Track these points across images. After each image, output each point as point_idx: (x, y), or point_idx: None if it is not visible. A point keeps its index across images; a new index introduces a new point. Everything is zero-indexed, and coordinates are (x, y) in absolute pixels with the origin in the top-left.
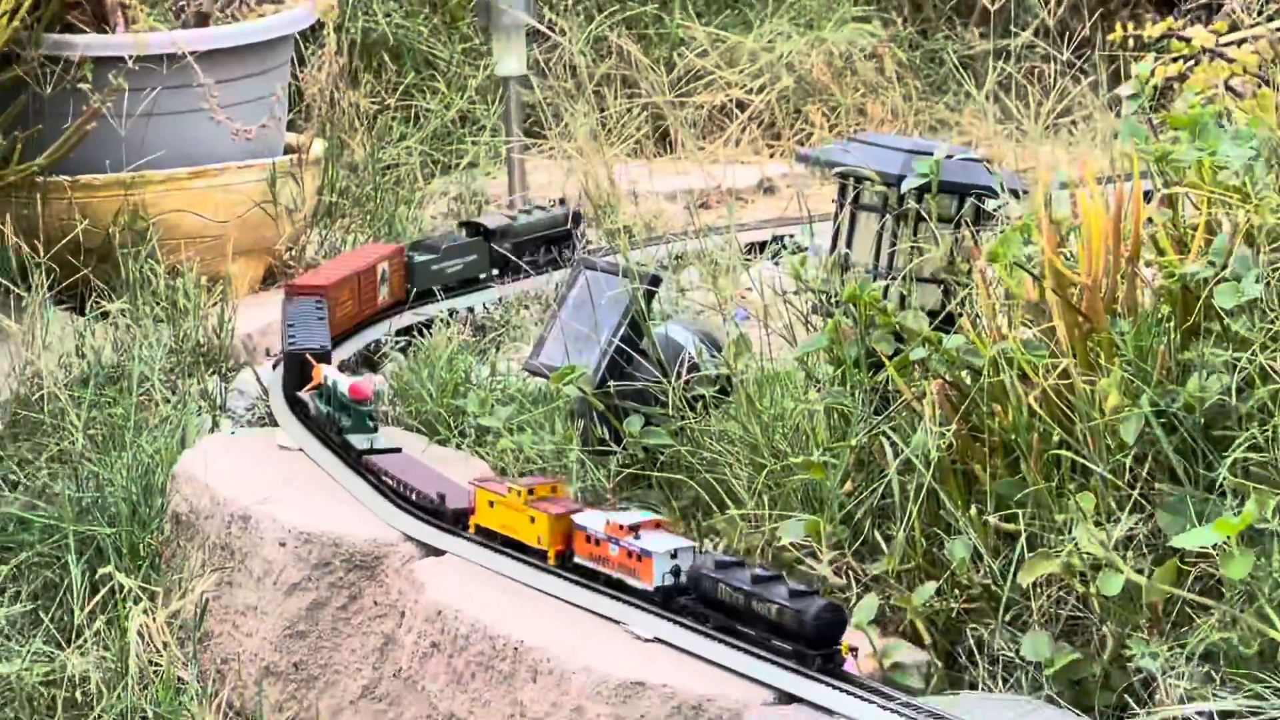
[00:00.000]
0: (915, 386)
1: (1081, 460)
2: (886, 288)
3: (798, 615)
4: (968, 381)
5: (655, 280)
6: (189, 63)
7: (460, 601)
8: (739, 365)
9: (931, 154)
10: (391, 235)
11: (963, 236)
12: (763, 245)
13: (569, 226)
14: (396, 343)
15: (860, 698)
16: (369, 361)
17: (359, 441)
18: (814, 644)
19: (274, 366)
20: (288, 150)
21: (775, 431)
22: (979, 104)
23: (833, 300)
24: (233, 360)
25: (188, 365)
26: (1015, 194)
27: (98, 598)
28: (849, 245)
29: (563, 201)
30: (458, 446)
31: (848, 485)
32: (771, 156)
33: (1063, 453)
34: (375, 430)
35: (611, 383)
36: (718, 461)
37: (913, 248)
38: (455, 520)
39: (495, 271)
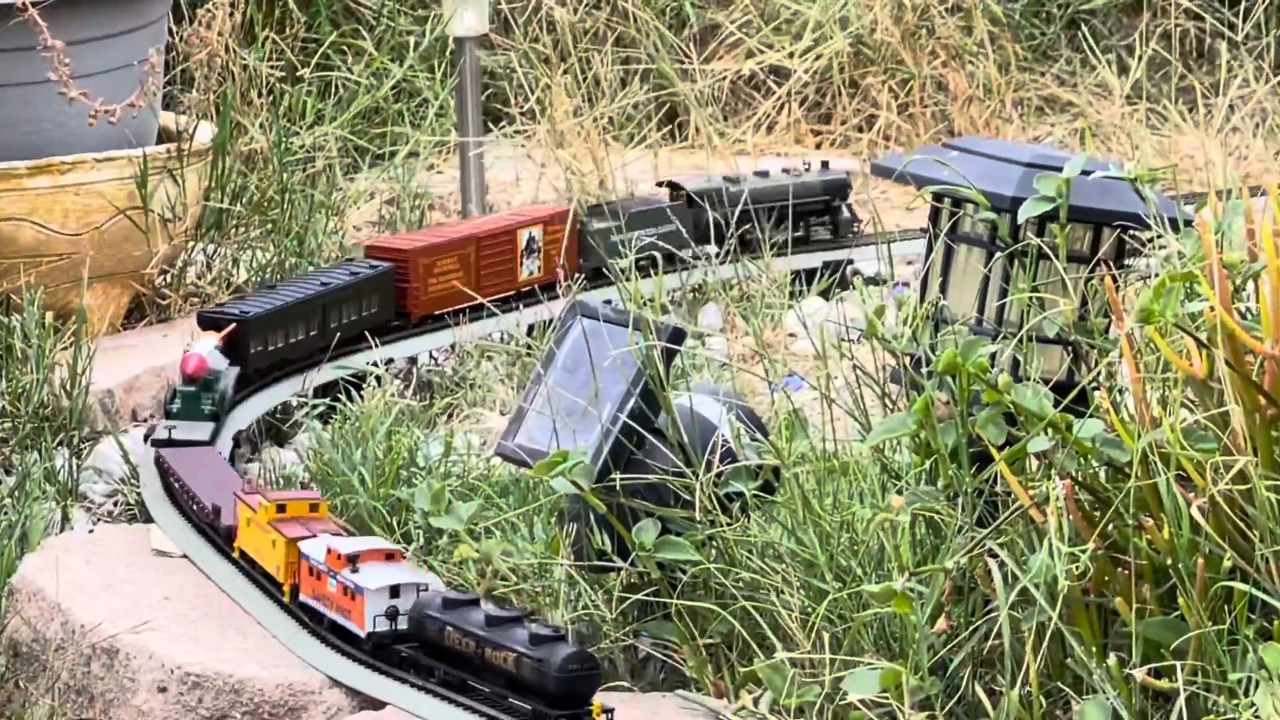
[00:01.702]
0: (1035, 489)
1: (1263, 596)
2: (996, 352)
3: (538, 666)
4: (1107, 484)
5: (677, 335)
6: (29, 17)
7: None
8: (791, 453)
9: (1059, 168)
10: (303, 251)
11: (1102, 284)
12: (811, 276)
13: (827, 198)
14: (313, 406)
15: None
16: (274, 431)
17: (161, 430)
18: (557, 701)
19: (147, 437)
20: (163, 137)
21: (840, 545)
22: (1102, 77)
23: (922, 366)
24: (88, 427)
25: (26, 434)
26: (1175, 225)
27: None
28: (944, 290)
29: (826, 165)
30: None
31: (941, 623)
32: (818, 147)
33: (1237, 584)
34: (215, 419)
35: (617, 475)
36: (760, 585)
37: (1032, 297)
38: (228, 540)
39: (709, 249)
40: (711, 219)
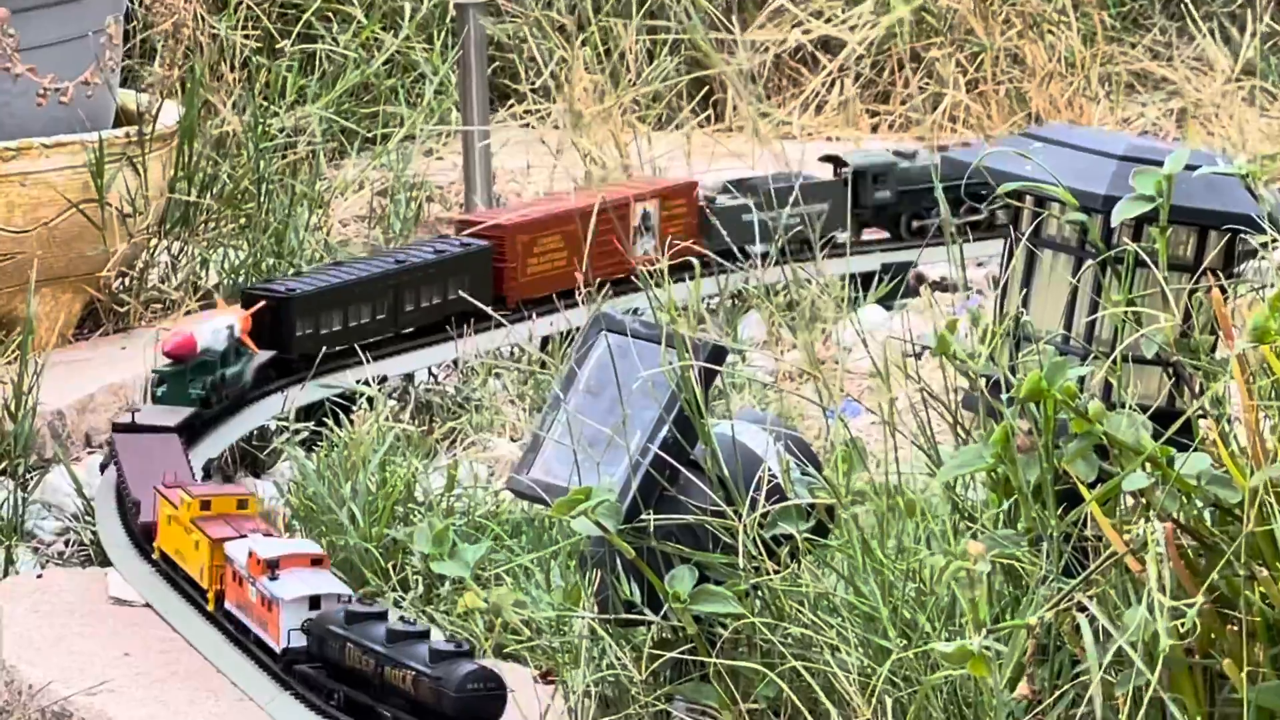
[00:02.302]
0: (1131, 533)
1: None
2: (1086, 375)
3: (436, 685)
4: (1214, 528)
5: (718, 353)
6: None
7: None
8: (848, 489)
9: (1159, 162)
10: (282, 250)
11: (1208, 296)
12: (868, 280)
13: None
14: (294, 432)
15: None
16: (253, 461)
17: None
18: None
19: (103, 466)
20: (122, 119)
21: (905, 597)
22: (1202, 49)
23: (1000, 390)
24: (35, 454)
25: None
26: None
27: None
28: (1025, 303)
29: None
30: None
31: (1022, 687)
32: (874, 130)
33: None
34: (204, 405)
35: (648, 514)
36: (813, 642)
37: (1128, 311)
38: (147, 538)
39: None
40: (876, 199)
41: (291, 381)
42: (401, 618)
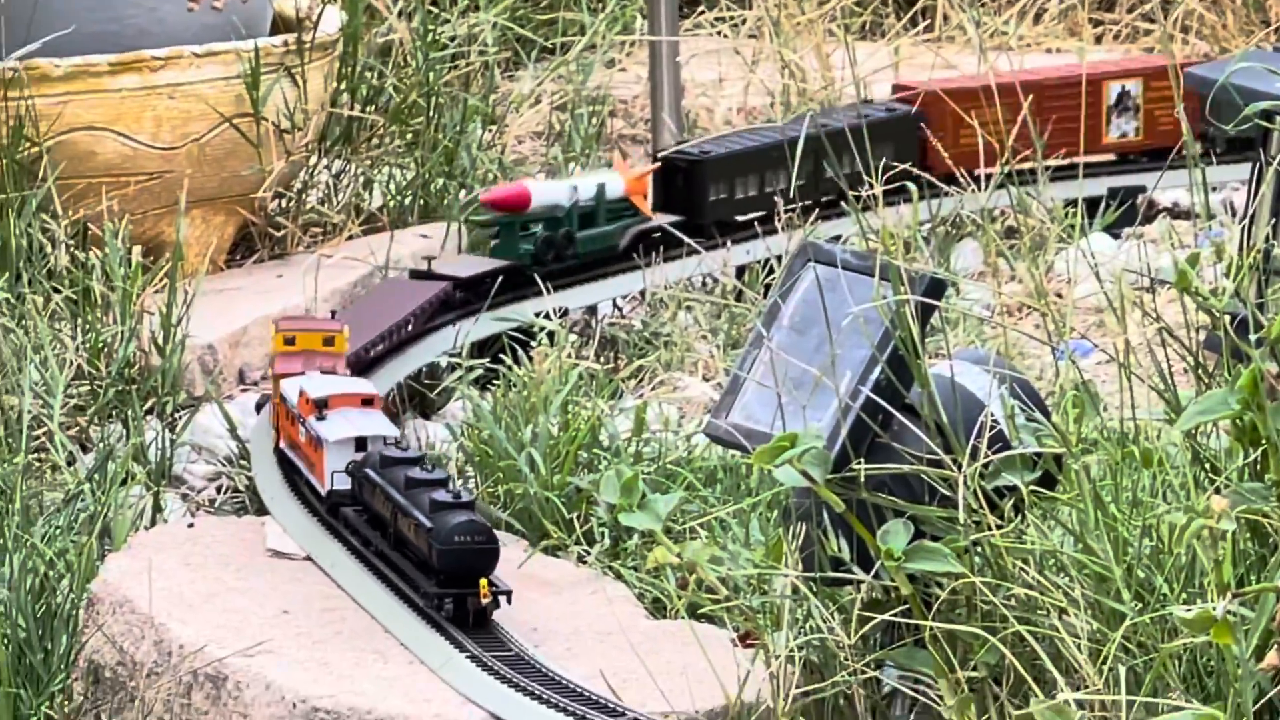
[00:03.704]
0: None
1: None
2: None
3: (428, 536)
4: None
5: (936, 287)
6: None
7: None
8: (1078, 437)
9: None
10: (452, 170)
11: None
12: (1093, 207)
13: None
14: (468, 370)
15: None
16: (421, 400)
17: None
18: (442, 577)
19: (258, 405)
20: (279, 27)
21: (1140, 556)
22: None
23: (1247, 330)
24: (184, 392)
25: (108, 401)
26: None
27: None
28: (1275, 233)
29: None
30: (581, 559)
31: (1271, 657)
32: (1098, 40)
33: None
34: (539, 261)
35: (858, 464)
36: (1038, 604)
37: None
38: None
39: None
40: None
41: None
42: (426, 465)
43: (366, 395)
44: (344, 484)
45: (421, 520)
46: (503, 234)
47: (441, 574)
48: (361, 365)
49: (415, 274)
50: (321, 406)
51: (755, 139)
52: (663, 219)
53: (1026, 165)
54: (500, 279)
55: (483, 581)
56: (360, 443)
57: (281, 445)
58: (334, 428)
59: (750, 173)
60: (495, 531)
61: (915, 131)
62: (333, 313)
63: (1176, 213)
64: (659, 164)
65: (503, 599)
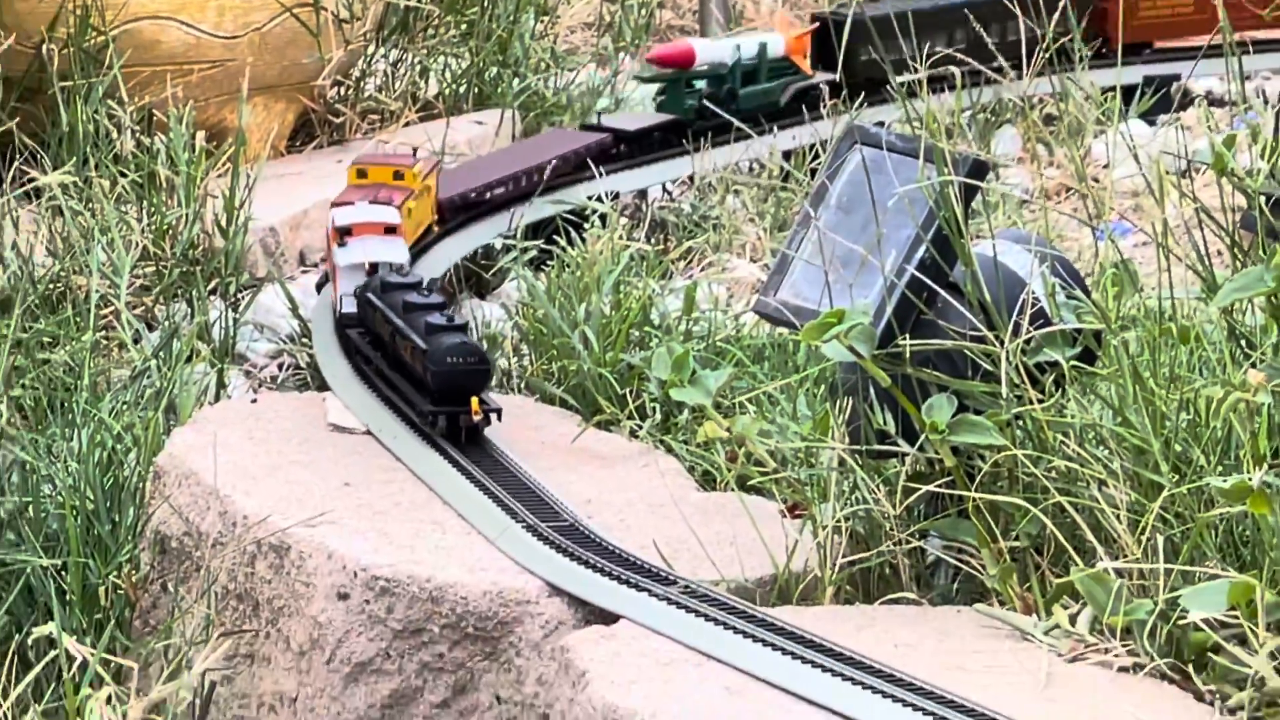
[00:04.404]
0: None
1: None
2: None
3: (423, 357)
4: None
5: (979, 168)
6: None
7: (649, 704)
8: (1118, 314)
9: None
10: (506, 59)
11: None
12: (1129, 94)
13: None
14: (522, 250)
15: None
16: (477, 282)
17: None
18: (436, 396)
19: (319, 285)
20: None
21: (1178, 429)
22: None
23: None
24: (247, 272)
25: (173, 281)
26: None
27: (29, 677)
28: None
29: None
30: (633, 434)
31: None
32: None
33: None
34: (701, 115)
35: (903, 339)
36: (1078, 476)
37: None
38: None
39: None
40: None
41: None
42: (423, 290)
43: (390, 224)
44: (352, 307)
45: (417, 342)
46: (668, 90)
47: (435, 393)
48: (466, 205)
49: (585, 126)
50: (344, 234)
51: (920, 1)
52: (821, 77)
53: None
54: (663, 133)
55: (474, 400)
56: (374, 268)
57: (326, 271)
58: (348, 253)
59: (911, 34)
60: (485, 352)
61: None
62: (414, 150)
63: (1211, 100)
64: (818, 24)
65: (493, 416)
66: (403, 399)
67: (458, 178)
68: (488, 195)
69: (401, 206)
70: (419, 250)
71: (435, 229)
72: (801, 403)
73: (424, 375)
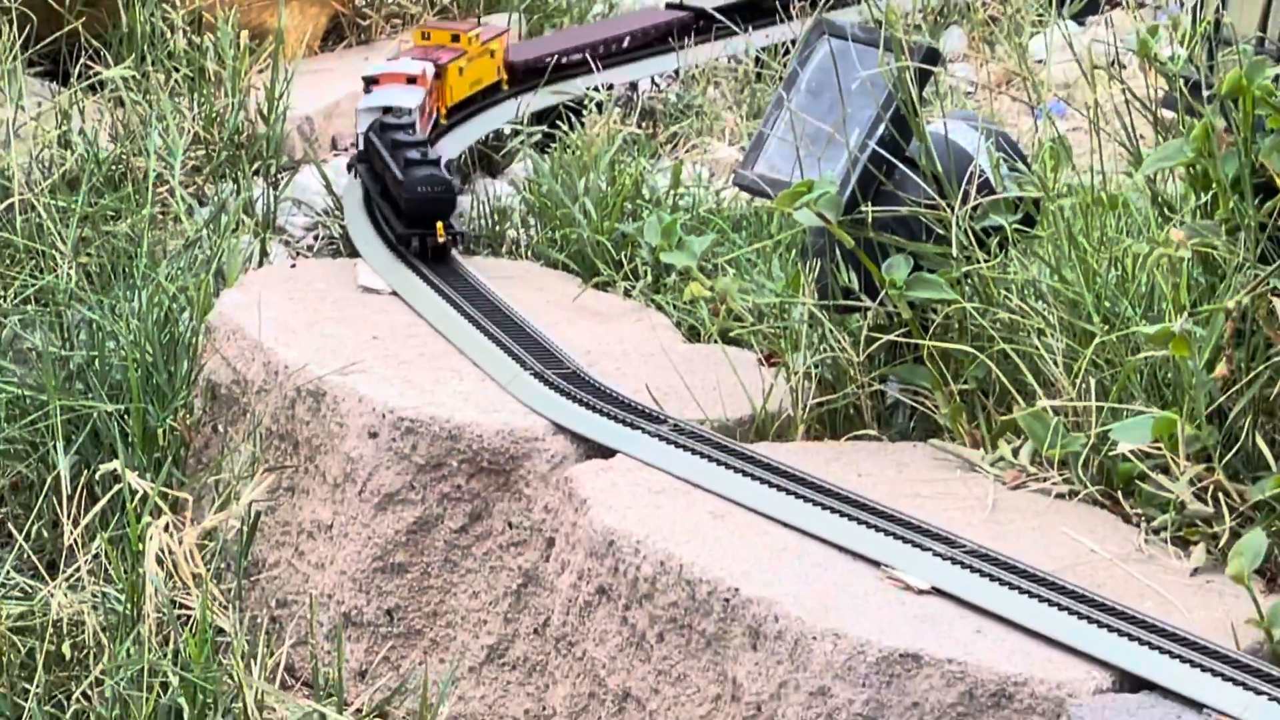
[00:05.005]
0: None
1: None
2: None
3: (399, 186)
4: None
5: (932, 55)
6: None
7: (642, 527)
8: (1054, 184)
9: None
10: None
11: None
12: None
13: None
14: (529, 134)
15: (1241, 683)
16: (487, 161)
17: None
18: (410, 220)
19: (350, 166)
20: None
21: (1108, 284)
22: None
23: (1199, 91)
24: (286, 155)
25: (221, 162)
26: None
27: (97, 508)
28: (1223, 5)
29: None
30: (627, 293)
31: (1221, 368)
32: None
33: None
34: None
35: (866, 207)
36: (1020, 326)
37: None
38: None
39: None
40: None
41: (524, 89)
42: (410, 130)
43: (411, 74)
44: (361, 145)
45: (397, 174)
46: None
47: (407, 217)
48: (538, 70)
49: (670, 5)
50: (370, 83)
51: None
52: None
53: None
54: (742, 11)
55: (439, 224)
56: (387, 110)
57: (356, 153)
58: (368, 99)
59: None
60: (453, 183)
61: None
62: (477, 19)
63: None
64: None
65: (458, 239)
66: (388, 223)
67: (535, 45)
68: (563, 60)
69: (449, 64)
70: (474, 111)
71: (505, 87)
72: (775, 264)
73: (399, 202)
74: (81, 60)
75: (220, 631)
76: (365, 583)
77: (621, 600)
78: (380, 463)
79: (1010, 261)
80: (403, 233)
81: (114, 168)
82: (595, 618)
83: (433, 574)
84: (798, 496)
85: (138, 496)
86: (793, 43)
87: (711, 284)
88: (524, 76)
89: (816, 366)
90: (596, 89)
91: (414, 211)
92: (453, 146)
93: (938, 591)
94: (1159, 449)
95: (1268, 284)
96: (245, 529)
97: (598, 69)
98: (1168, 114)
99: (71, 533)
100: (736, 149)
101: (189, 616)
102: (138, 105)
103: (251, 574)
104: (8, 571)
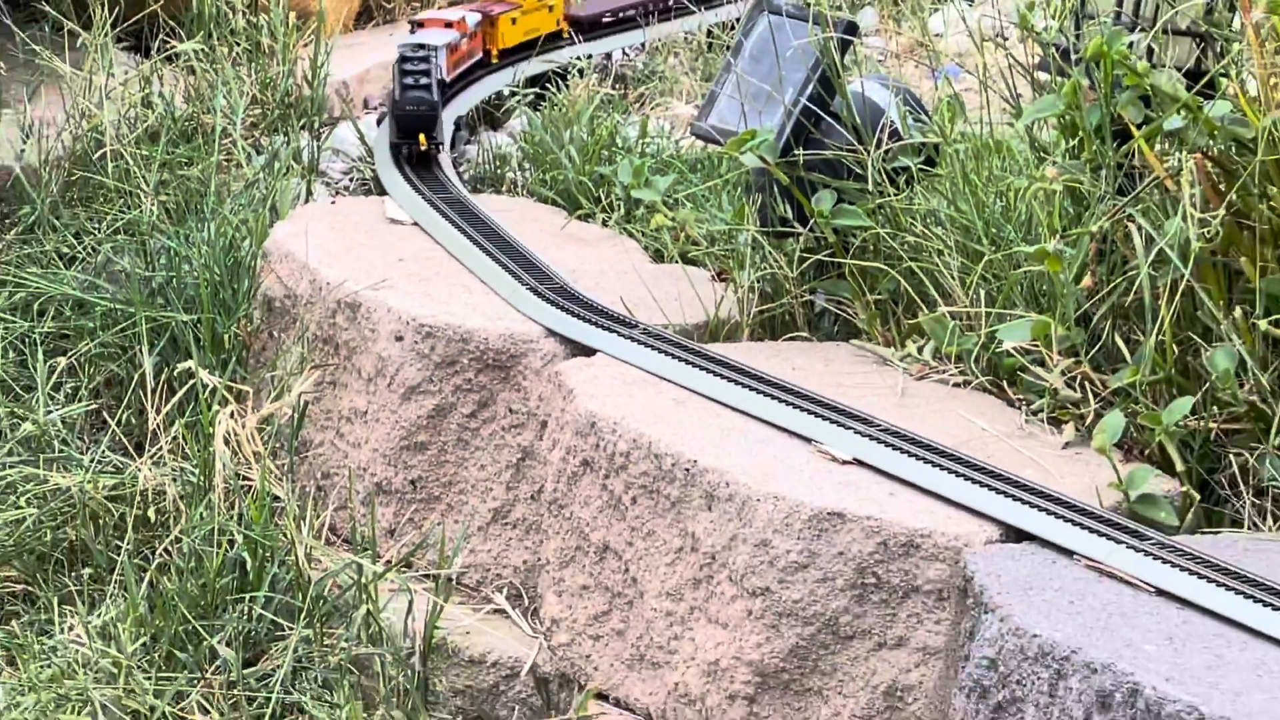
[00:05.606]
0: (1169, 162)
1: None
2: (1135, 42)
3: (393, 105)
4: (1234, 158)
5: (851, 28)
6: None
7: (618, 411)
8: (951, 132)
9: None
10: None
11: None
12: None
13: None
14: (524, 95)
15: (1104, 534)
16: (490, 117)
17: None
18: (400, 134)
19: (379, 121)
20: None
21: (994, 213)
22: None
23: (1069, 56)
24: (326, 113)
25: (274, 119)
26: None
27: (175, 399)
28: None
29: None
30: (604, 223)
31: (1086, 280)
32: None
33: None
34: None
35: (798, 151)
36: (923, 247)
37: None
38: None
39: None
40: None
41: (518, 59)
42: (416, 60)
43: (449, 20)
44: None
45: (395, 94)
46: None
47: (398, 129)
48: (597, 24)
49: None
50: (415, 26)
51: None
52: None
53: None
54: None
55: (421, 135)
56: (417, 47)
57: (383, 111)
58: (408, 38)
59: None
60: (437, 103)
61: None
62: None
63: None
64: None
65: (442, 148)
66: (390, 135)
67: (597, 3)
68: (620, 15)
69: (500, 15)
70: (524, 56)
71: (565, 36)
72: (725, 199)
73: (394, 117)
74: (160, 36)
75: (275, 498)
76: (393, 458)
77: (602, 471)
78: (405, 361)
79: (915, 195)
80: (395, 142)
81: (187, 124)
82: (580, 485)
83: (448, 451)
84: (744, 386)
85: (208, 390)
86: (738, 20)
87: (673, 215)
88: (588, 28)
89: (759, 281)
90: (578, 58)
91: (402, 125)
92: (498, 81)
93: (859, 462)
94: (1036, 346)
95: (1124, 212)
96: (296, 415)
97: (648, 23)
98: (1042, 75)
99: (154, 419)
100: (692, 106)
101: (250, 486)
102: (206, 73)
103: (301, 452)
104: (103, 451)
